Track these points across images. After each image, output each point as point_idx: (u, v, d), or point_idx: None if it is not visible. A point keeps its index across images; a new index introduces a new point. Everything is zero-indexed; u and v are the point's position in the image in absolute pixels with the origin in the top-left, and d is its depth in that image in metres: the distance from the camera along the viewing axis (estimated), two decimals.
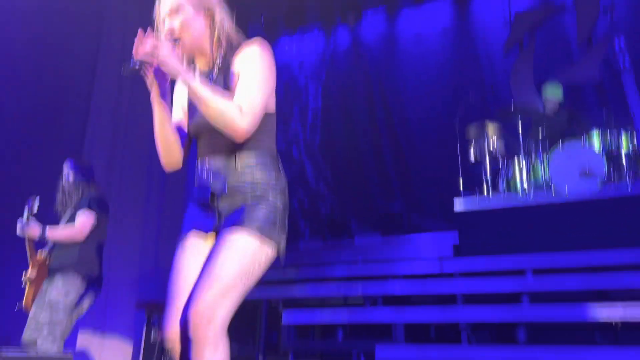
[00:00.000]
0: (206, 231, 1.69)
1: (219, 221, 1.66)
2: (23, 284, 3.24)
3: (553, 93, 5.46)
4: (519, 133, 5.25)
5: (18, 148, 5.17)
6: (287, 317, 4.18)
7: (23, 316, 3.23)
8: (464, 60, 7.30)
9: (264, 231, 1.57)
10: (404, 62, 7.72)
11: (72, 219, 3.32)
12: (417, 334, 4.35)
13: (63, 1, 5.41)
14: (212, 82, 1.69)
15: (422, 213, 7.09)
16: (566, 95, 5.71)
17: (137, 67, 1.53)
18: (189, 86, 1.54)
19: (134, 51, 1.53)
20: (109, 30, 6.31)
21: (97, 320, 5.51)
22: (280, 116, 8.43)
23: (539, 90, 6.62)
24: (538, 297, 4.15)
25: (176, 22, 1.68)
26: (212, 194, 1.66)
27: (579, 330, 3.99)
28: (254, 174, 1.64)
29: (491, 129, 5.41)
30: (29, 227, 3.16)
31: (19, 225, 3.18)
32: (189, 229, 1.72)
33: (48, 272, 3.23)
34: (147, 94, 1.66)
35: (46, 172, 3.66)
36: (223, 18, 1.74)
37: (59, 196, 3.47)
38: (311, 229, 7.90)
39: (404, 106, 7.61)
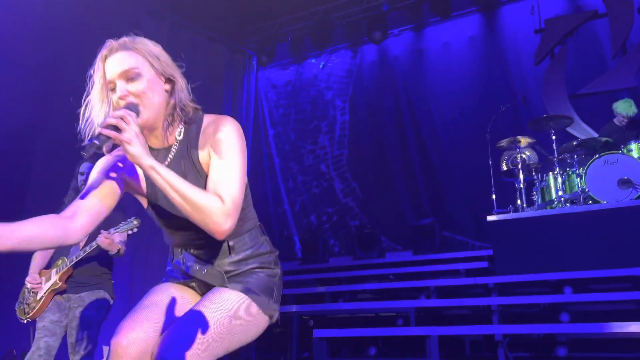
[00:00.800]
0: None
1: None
2: (43, 293, 3.13)
3: (625, 108, 5.38)
4: (553, 143, 5.13)
5: (47, 151, 5.32)
6: (319, 332, 4.14)
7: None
8: (493, 71, 7.19)
9: (261, 298, 1.52)
10: (432, 74, 7.65)
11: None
12: (452, 349, 4.24)
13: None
14: (169, 161, 1.50)
15: (455, 229, 6.95)
16: (606, 103, 5.59)
17: (97, 142, 1.28)
18: (158, 174, 1.32)
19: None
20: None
21: None
22: (308, 132, 8.52)
23: (571, 100, 6.48)
24: (577, 313, 3.99)
25: (132, 87, 1.38)
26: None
27: (622, 347, 3.81)
28: (249, 256, 1.58)
29: (523, 140, 5.32)
30: (115, 243, 2.97)
31: (105, 235, 2.91)
32: (169, 280, 1.67)
33: (71, 286, 3.19)
34: None
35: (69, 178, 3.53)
36: (183, 87, 1.47)
37: (71, 195, 3.26)
38: (341, 244, 7.86)
39: (432, 118, 7.52)
